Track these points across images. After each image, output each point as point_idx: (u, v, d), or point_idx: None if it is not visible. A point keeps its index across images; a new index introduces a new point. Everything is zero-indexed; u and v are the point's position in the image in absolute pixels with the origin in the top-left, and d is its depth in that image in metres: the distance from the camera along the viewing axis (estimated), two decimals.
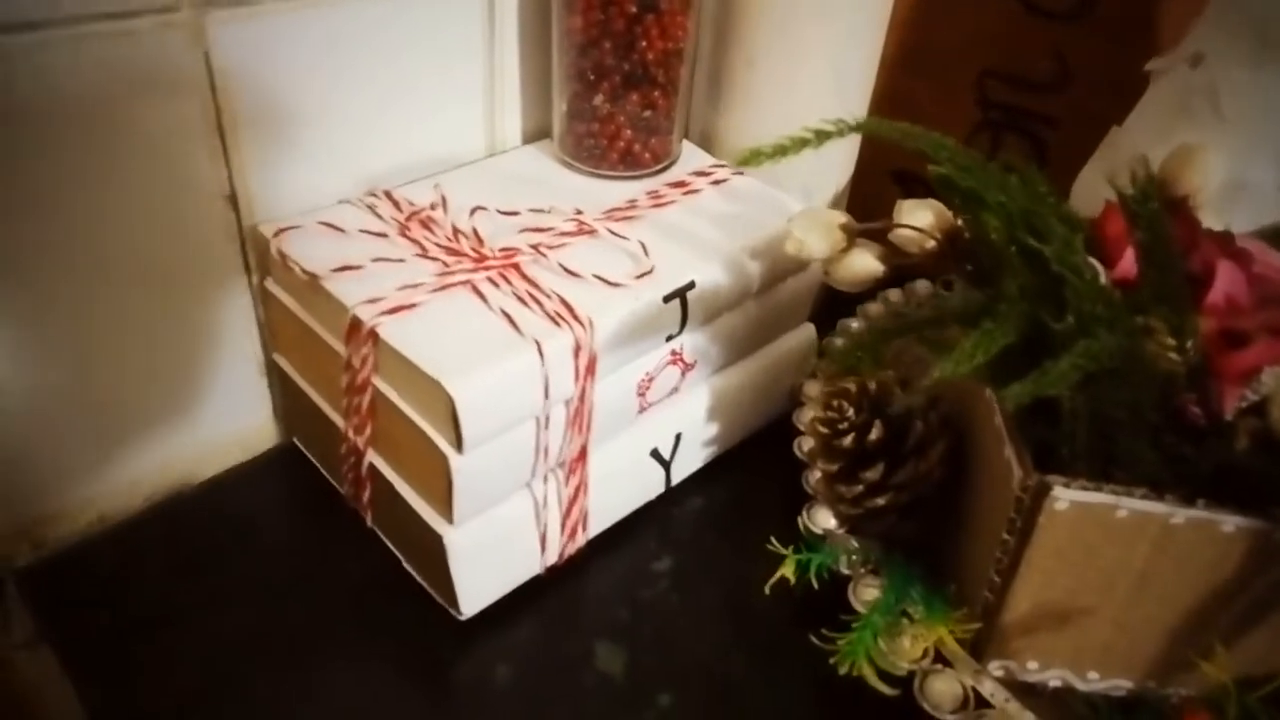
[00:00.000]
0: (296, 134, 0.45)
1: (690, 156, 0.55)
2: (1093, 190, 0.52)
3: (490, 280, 0.42)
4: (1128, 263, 0.39)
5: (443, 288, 0.41)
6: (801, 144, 0.39)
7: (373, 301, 0.40)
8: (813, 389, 0.55)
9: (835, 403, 0.44)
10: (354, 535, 0.47)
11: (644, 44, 0.47)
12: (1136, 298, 0.35)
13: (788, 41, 0.52)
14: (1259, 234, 0.45)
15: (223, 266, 0.46)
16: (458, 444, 0.38)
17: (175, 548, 0.47)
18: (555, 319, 0.40)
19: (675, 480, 0.51)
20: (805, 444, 0.51)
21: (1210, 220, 0.44)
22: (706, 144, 0.57)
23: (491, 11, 0.49)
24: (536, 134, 0.56)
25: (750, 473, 0.54)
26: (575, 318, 0.41)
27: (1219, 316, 0.37)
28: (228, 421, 0.50)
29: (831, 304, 0.58)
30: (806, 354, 0.56)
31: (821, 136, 0.39)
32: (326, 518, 0.48)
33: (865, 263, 0.45)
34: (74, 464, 0.45)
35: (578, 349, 0.40)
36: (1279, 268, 0.41)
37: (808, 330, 0.56)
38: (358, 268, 0.42)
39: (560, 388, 0.40)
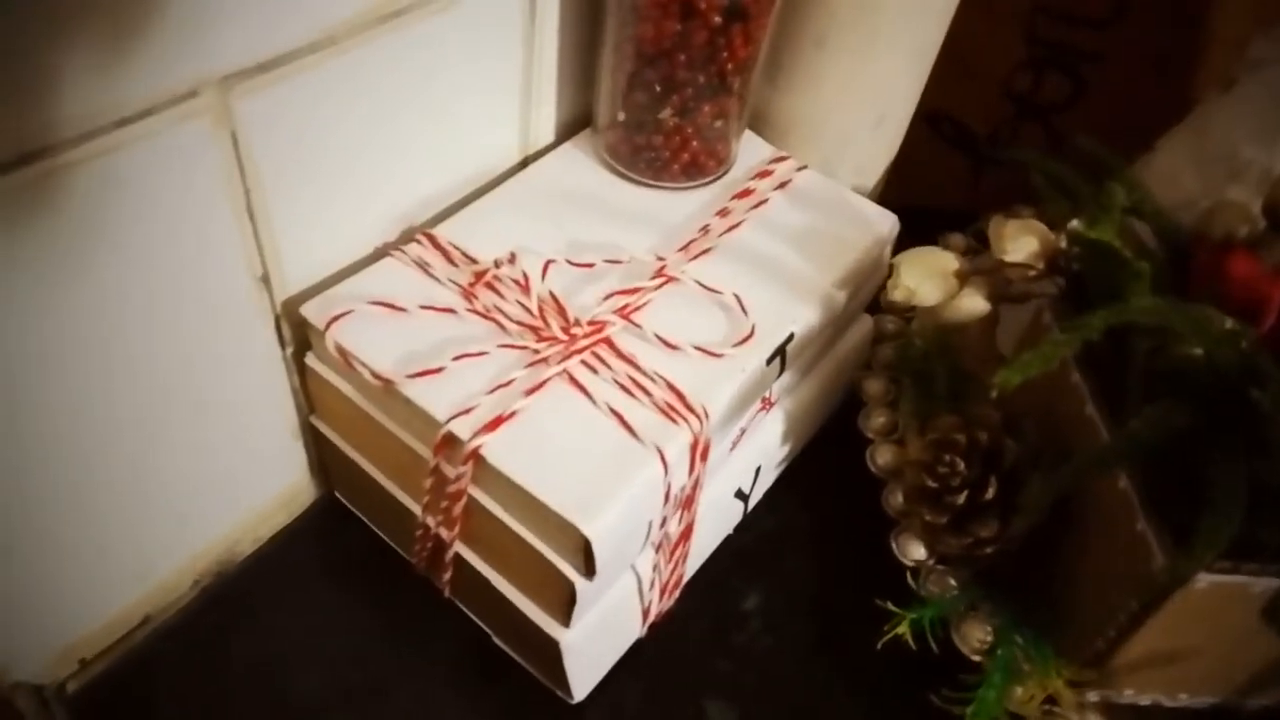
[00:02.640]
0: (327, 185, 0.38)
1: (746, 147, 0.49)
2: (1173, 177, 0.49)
3: (585, 364, 0.38)
4: (1273, 322, 0.37)
5: (539, 385, 0.36)
6: (1056, 353, 0.34)
7: (465, 412, 0.35)
8: (873, 387, 0.53)
9: (946, 457, 0.42)
10: (426, 602, 0.44)
11: (725, 55, 0.40)
12: None
13: (868, 22, 0.45)
14: None
15: (257, 344, 0.39)
16: (588, 573, 0.35)
17: (236, 641, 0.43)
18: (668, 413, 0.37)
19: (750, 507, 0.49)
20: (878, 457, 0.49)
21: None
22: (759, 123, 0.51)
23: (533, 13, 0.41)
24: (570, 126, 0.49)
25: (815, 482, 0.52)
26: (689, 408, 0.37)
27: None
28: (262, 487, 0.45)
29: None
30: (865, 346, 0.53)
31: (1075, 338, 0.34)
32: (390, 583, 0.45)
33: (975, 304, 0.42)
34: (111, 566, 0.40)
35: (695, 443, 0.37)
36: None
37: (866, 323, 0.53)
38: (438, 370, 0.36)
39: (678, 485, 0.37)
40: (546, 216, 0.44)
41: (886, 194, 0.56)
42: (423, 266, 0.40)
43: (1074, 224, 0.38)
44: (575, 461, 0.35)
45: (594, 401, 0.37)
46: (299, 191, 0.37)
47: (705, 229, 0.44)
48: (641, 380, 0.37)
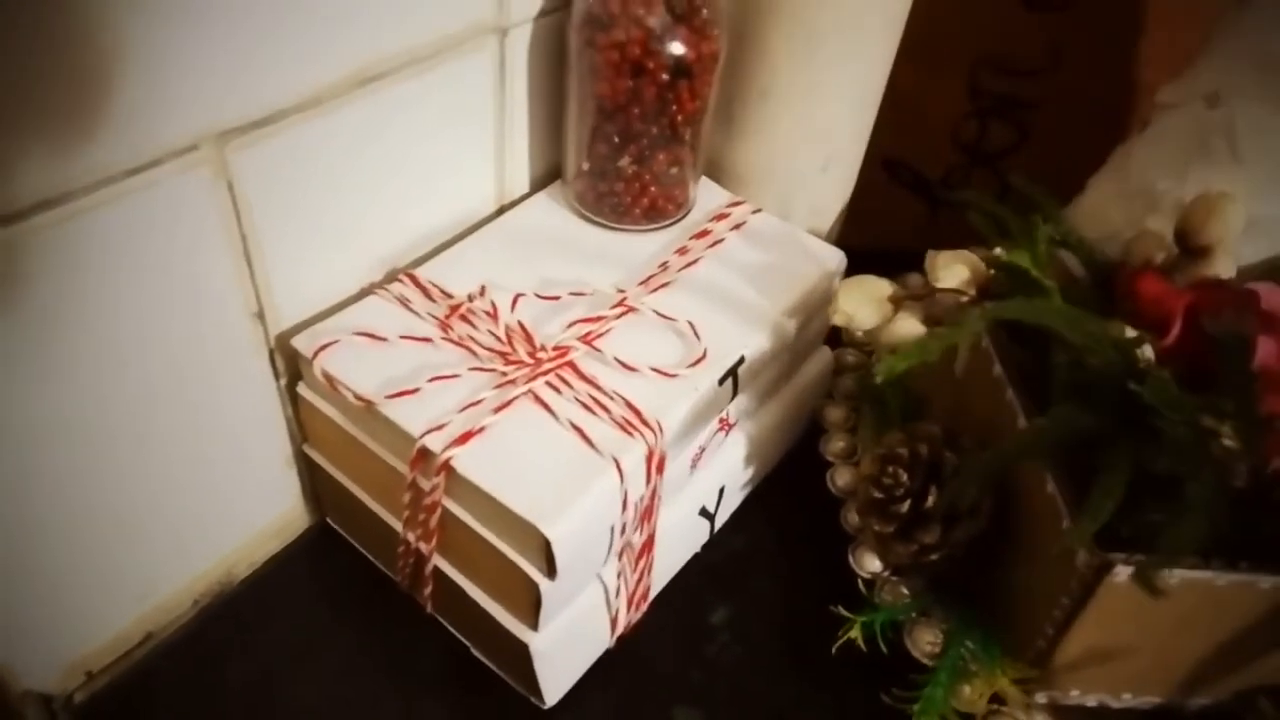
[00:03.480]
0: (316, 231, 0.42)
1: (705, 193, 0.53)
2: (1101, 213, 0.54)
3: (550, 385, 0.41)
4: (1176, 333, 0.41)
5: (506, 404, 0.40)
6: (939, 347, 0.38)
7: (438, 429, 0.39)
8: (834, 414, 0.56)
9: (890, 469, 0.45)
10: (412, 620, 0.47)
11: (674, 108, 0.45)
12: (1198, 390, 0.37)
13: (808, 75, 0.50)
14: (1267, 268, 0.48)
15: (249, 375, 0.43)
16: (550, 574, 0.38)
17: (234, 658, 0.46)
18: (625, 427, 0.40)
19: (718, 527, 0.52)
20: (838, 478, 0.52)
21: (1224, 261, 0.46)
22: (714, 170, 0.56)
23: (502, 74, 0.46)
24: (544, 177, 0.53)
25: (781, 505, 0.55)
26: (644, 423, 0.40)
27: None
28: (259, 514, 0.49)
29: None
30: (826, 377, 0.57)
31: (963, 331, 0.38)
32: (379, 602, 0.48)
33: (910, 327, 0.45)
34: (116, 586, 0.44)
35: (650, 454, 0.40)
36: None
37: (825, 355, 0.57)
38: (414, 391, 0.40)
39: (636, 494, 0.41)
40: (519, 257, 0.48)
41: (846, 236, 0.61)
42: (403, 302, 0.45)
43: (996, 251, 0.42)
44: (538, 471, 0.38)
45: (556, 418, 0.40)
46: (290, 235, 0.41)
47: (664, 265, 0.48)
48: (601, 399, 0.41)
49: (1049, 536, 0.42)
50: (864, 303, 0.44)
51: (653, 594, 0.48)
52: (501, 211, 0.52)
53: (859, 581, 0.48)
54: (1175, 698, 0.45)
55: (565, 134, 0.49)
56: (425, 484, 0.40)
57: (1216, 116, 0.47)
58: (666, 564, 0.49)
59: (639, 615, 0.47)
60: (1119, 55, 0.62)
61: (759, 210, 0.53)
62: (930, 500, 0.44)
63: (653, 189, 0.48)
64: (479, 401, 0.40)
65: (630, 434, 0.40)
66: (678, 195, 0.50)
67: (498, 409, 0.40)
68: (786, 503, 0.55)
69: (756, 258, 0.50)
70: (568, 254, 0.49)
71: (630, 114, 0.45)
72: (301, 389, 0.44)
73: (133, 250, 0.35)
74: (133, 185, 0.33)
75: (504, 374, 0.41)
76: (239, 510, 0.47)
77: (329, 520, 0.51)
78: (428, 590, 0.45)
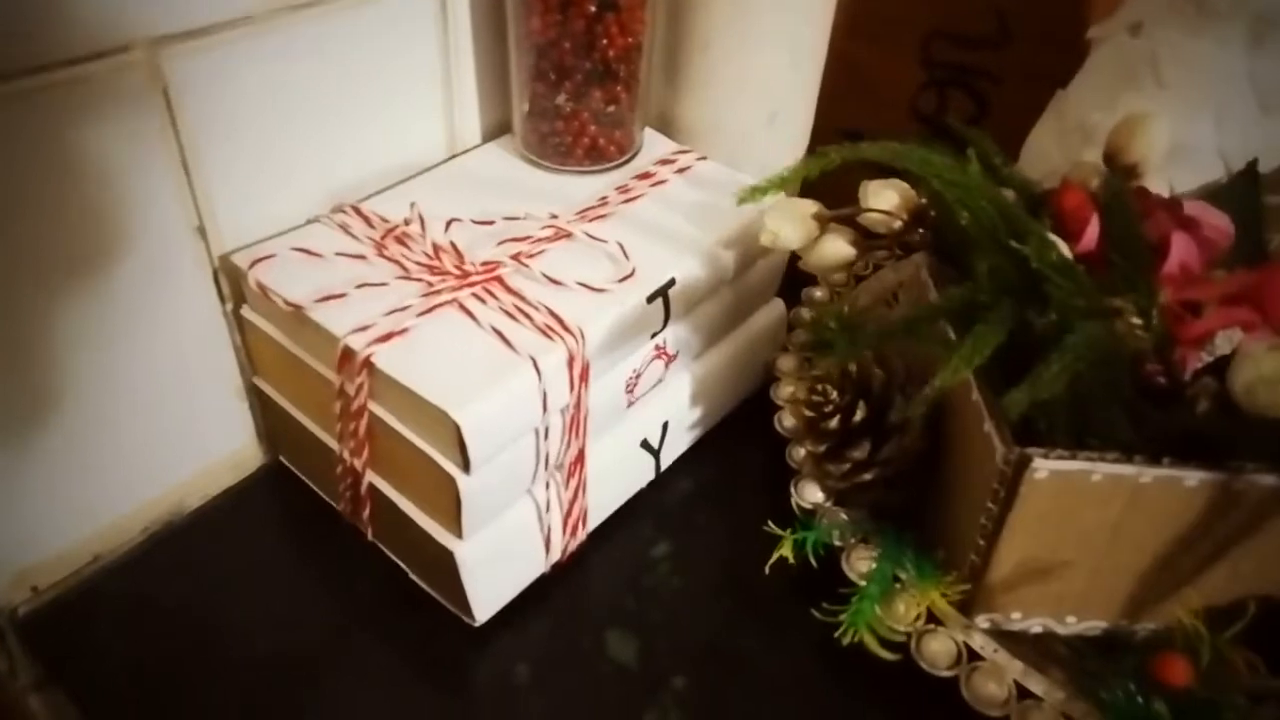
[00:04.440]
0: (260, 156, 0.44)
1: (652, 144, 0.55)
2: (1042, 152, 0.54)
3: (476, 296, 0.43)
4: (1090, 238, 0.41)
5: (430, 309, 0.41)
6: (797, 175, 0.40)
7: (362, 329, 0.40)
8: (786, 363, 0.56)
9: (819, 386, 0.45)
10: (355, 549, 0.48)
11: (605, 42, 0.47)
12: (1105, 280, 0.37)
13: (743, 25, 0.52)
14: (1200, 193, 0.48)
15: (195, 297, 0.45)
16: (465, 467, 0.39)
17: (178, 581, 0.47)
18: (546, 332, 0.41)
19: (664, 465, 0.53)
20: (785, 420, 0.53)
21: (1155, 182, 0.46)
22: (665, 126, 0.57)
23: (444, 14, 0.48)
24: (496, 129, 0.55)
25: (733, 450, 0.55)
26: (566, 329, 0.41)
27: (1175, 286, 0.39)
28: (211, 447, 0.50)
29: (794, 273, 0.59)
30: (778, 329, 0.57)
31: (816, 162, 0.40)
32: (325, 534, 0.49)
33: (838, 248, 0.46)
34: (65, 506, 0.45)
35: (571, 360, 0.41)
36: (1222, 229, 0.43)
37: (778, 306, 0.57)
38: (341, 295, 0.42)
39: (557, 399, 0.41)
40: (463, 195, 0.50)
41: None
42: (344, 228, 0.46)
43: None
44: (455, 367, 0.39)
45: (479, 323, 0.41)
46: (231, 155, 0.43)
47: (604, 200, 0.50)
48: (525, 308, 0.42)
49: (974, 444, 0.42)
50: (790, 221, 0.45)
51: (593, 525, 0.49)
52: (453, 160, 0.54)
53: (799, 510, 0.47)
54: (1121, 621, 0.44)
55: (510, 76, 0.51)
56: (351, 387, 0.41)
57: (1140, 45, 0.48)
58: (607, 495, 0.49)
59: (576, 544, 0.48)
60: (1064, 22, 0.63)
61: (704, 158, 0.54)
62: (859, 415, 0.44)
63: (591, 128, 0.50)
64: (405, 308, 0.41)
65: (551, 338, 0.41)
66: (619, 137, 0.51)
67: (421, 314, 0.41)
68: (738, 450, 0.55)
69: (697, 196, 0.51)
70: (511, 193, 0.50)
71: (561, 48, 0.47)
72: (245, 311, 0.46)
73: (68, 144, 0.37)
74: (66, 76, 0.35)
75: (430, 284, 0.43)
76: (191, 442, 0.49)
77: (282, 458, 0.52)
78: (366, 512, 0.46)
